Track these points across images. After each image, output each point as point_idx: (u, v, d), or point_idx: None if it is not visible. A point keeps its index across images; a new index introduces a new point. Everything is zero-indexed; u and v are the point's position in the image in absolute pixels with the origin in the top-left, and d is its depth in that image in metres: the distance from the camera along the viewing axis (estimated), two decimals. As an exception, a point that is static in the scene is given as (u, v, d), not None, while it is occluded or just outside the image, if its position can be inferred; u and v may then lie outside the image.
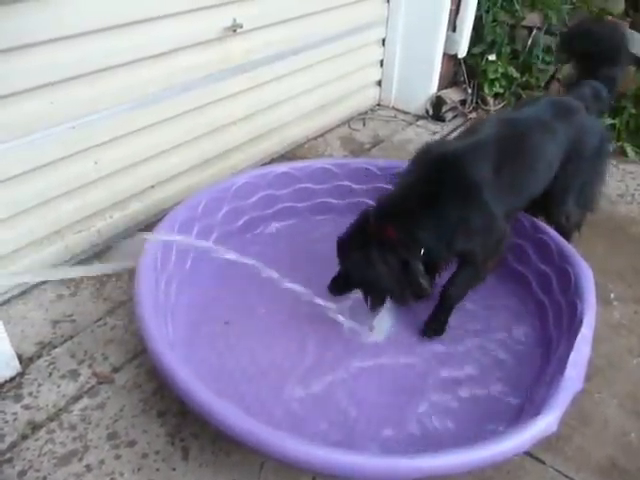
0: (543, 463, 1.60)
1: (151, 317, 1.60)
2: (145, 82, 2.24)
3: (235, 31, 2.48)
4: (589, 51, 2.19)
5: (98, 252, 2.34)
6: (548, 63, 3.67)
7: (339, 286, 1.91)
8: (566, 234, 2.20)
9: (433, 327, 1.99)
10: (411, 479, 1.38)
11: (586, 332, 1.63)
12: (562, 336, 1.79)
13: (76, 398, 1.72)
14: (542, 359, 1.85)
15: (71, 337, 1.93)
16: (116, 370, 1.81)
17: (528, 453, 1.59)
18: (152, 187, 2.49)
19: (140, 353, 1.86)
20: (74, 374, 1.79)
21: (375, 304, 1.91)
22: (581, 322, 1.66)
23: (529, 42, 3.68)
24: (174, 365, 1.44)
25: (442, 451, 1.36)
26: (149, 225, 2.45)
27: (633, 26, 3.42)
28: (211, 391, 1.38)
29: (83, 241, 2.29)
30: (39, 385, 1.75)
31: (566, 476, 1.57)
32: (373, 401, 1.75)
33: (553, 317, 1.94)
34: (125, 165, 2.31)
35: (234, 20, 2.46)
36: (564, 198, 2.12)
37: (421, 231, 1.74)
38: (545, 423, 1.35)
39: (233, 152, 2.85)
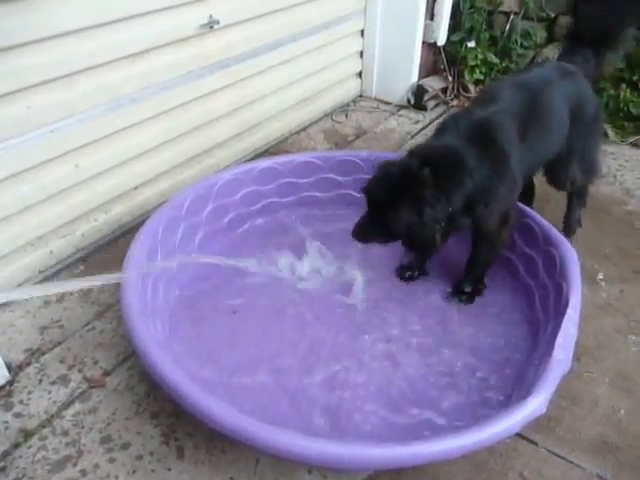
0: (535, 444, 1.61)
1: (139, 318, 1.59)
2: (123, 82, 2.22)
3: (212, 27, 2.46)
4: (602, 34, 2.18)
5: (83, 256, 2.32)
6: (527, 48, 3.68)
7: (365, 232, 1.89)
8: (576, 200, 2.38)
9: (461, 295, 2.11)
10: (410, 465, 1.39)
11: (572, 313, 1.64)
12: (550, 318, 1.81)
13: (68, 404, 1.71)
14: (531, 341, 1.87)
15: (60, 343, 1.92)
16: (107, 373, 1.80)
17: (520, 435, 1.60)
18: (135, 188, 2.47)
19: (131, 355, 1.85)
20: (65, 380, 1.78)
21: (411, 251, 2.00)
22: (567, 304, 1.68)
23: (507, 28, 3.68)
24: (163, 365, 1.43)
25: (436, 437, 1.37)
26: (134, 227, 2.43)
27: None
28: (200, 389, 1.38)
29: (68, 245, 2.27)
30: (29, 392, 1.74)
31: (558, 456, 1.59)
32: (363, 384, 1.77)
33: (540, 300, 1.95)
34: (106, 167, 2.29)
35: (210, 16, 2.44)
36: (569, 163, 2.20)
37: (454, 192, 1.79)
38: (535, 405, 1.37)
39: (216, 149, 2.84)
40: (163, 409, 1.69)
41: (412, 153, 1.86)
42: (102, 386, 1.75)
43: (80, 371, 1.81)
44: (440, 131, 1.95)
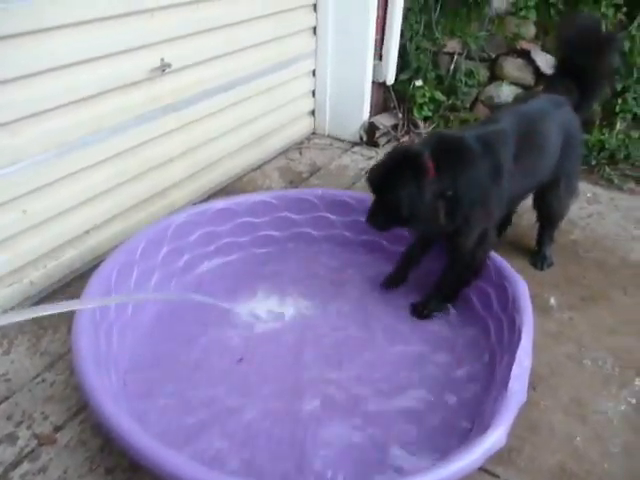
0: (497, 477, 1.63)
1: (92, 369, 1.54)
2: (72, 127, 2.19)
3: (164, 71, 2.47)
4: (588, 67, 2.31)
5: (32, 305, 2.24)
6: (471, 86, 3.85)
7: (377, 219, 1.99)
8: (555, 219, 2.51)
9: (424, 309, 2.18)
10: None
11: (525, 344, 1.69)
12: (505, 350, 1.84)
13: (15, 464, 1.61)
14: (488, 374, 1.90)
15: (7, 398, 1.82)
16: (58, 429, 1.72)
17: (482, 469, 1.61)
18: (87, 232, 2.42)
19: (83, 408, 1.77)
20: (12, 438, 1.69)
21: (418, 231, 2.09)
22: (520, 335, 1.72)
23: (452, 67, 3.86)
24: (117, 419, 1.38)
25: (399, 476, 1.37)
26: (86, 272, 2.37)
27: (543, 48, 3.65)
28: (159, 442, 1.34)
29: (15, 294, 2.19)
30: (-27, 454, 1.64)
31: (521, 487, 1.61)
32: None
33: (495, 333, 2.00)
34: (56, 212, 2.24)
35: (162, 60, 2.46)
36: (558, 185, 2.35)
37: (455, 176, 1.88)
38: (494, 438, 1.39)
39: (171, 190, 2.82)
40: (119, 464, 1.62)
41: (422, 140, 2.00)
42: (53, 443, 1.67)
43: (29, 428, 1.72)
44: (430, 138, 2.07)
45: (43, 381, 1.89)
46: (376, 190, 1.95)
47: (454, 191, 1.89)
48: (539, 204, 2.47)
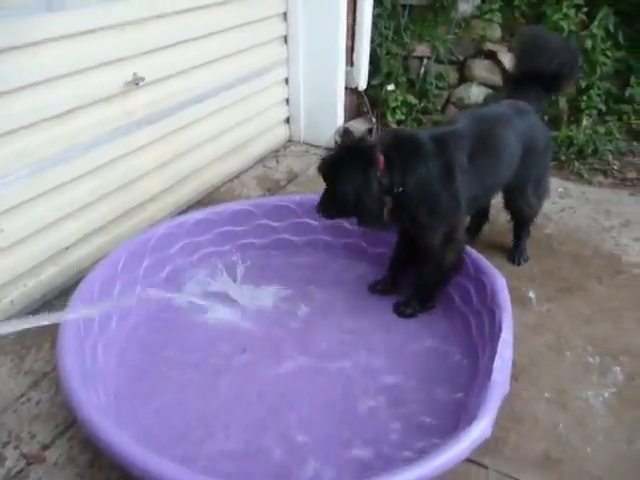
0: (485, 467, 1.66)
1: (79, 384, 1.54)
2: (47, 144, 2.18)
3: (137, 84, 2.48)
4: (548, 72, 2.36)
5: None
6: (441, 88, 3.93)
7: (325, 206, 2.05)
8: (527, 220, 2.58)
9: (405, 308, 2.23)
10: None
11: (506, 336, 1.74)
12: (486, 343, 1.89)
13: (4, 484, 1.61)
14: (471, 368, 1.94)
15: (-8, 419, 1.81)
16: (46, 447, 1.71)
17: (470, 460, 1.64)
18: (66, 249, 2.41)
19: (71, 425, 1.76)
20: (-1, 459, 1.68)
21: (360, 223, 2.07)
22: (501, 328, 1.77)
23: (422, 71, 3.93)
24: (109, 434, 1.38)
25: (387, 470, 1.39)
26: (67, 289, 2.35)
27: (510, 49, 3.75)
28: (150, 452, 1.34)
29: (-4, 314, 2.17)
30: (-40, 477, 1.63)
31: (509, 476, 1.65)
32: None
33: (476, 326, 2.04)
34: (34, 230, 2.23)
35: (135, 74, 2.46)
36: (525, 190, 2.40)
37: (404, 172, 1.94)
38: (480, 429, 1.42)
39: (148, 203, 2.82)
40: (109, 478, 1.61)
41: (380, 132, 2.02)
42: (42, 461, 1.66)
43: (16, 448, 1.71)
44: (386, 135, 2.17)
45: (28, 400, 1.88)
46: (326, 179, 2.02)
47: (403, 187, 1.95)
48: (510, 208, 2.53)
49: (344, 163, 1.93)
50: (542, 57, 2.34)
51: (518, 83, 2.47)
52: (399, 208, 1.99)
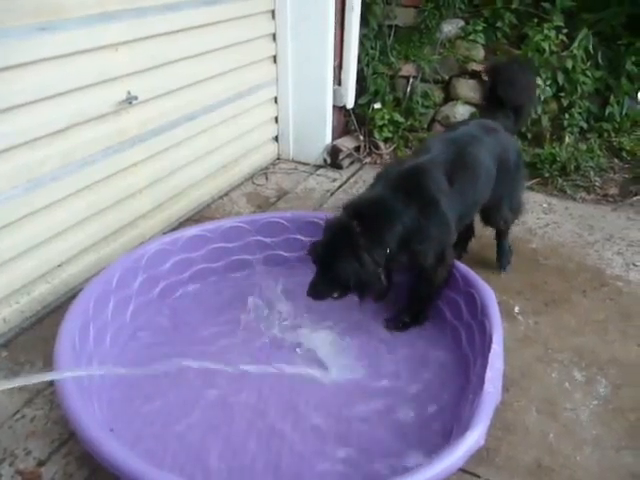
0: (478, 477, 1.69)
1: (77, 400, 1.54)
2: (41, 162, 2.20)
3: (130, 103, 2.52)
4: (513, 98, 2.52)
5: (6, 342, 2.21)
6: (427, 107, 4.02)
7: (318, 290, 2.07)
8: (503, 234, 2.69)
9: (399, 322, 2.27)
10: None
11: (497, 348, 1.78)
12: (477, 355, 1.93)
13: (-1, 502, 1.60)
14: (463, 379, 1.97)
15: (-14, 437, 1.80)
16: (42, 463, 1.70)
17: (463, 470, 1.67)
18: (59, 266, 2.41)
19: (67, 440, 1.76)
20: (-6, 477, 1.67)
21: (364, 299, 2.11)
22: (491, 339, 1.81)
23: (408, 90, 4.02)
24: (112, 449, 1.39)
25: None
26: (59, 306, 2.36)
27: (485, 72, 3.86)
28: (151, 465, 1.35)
29: (-12, 332, 2.17)
30: (-46, 496, 1.61)
31: (501, 486, 1.68)
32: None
33: (466, 338, 2.08)
34: (27, 247, 2.23)
35: (129, 93, 2.50)
36: (500, 206, 2.49)
37: (386, 235, 1.98)
38: (473, 439, 1.45)
39: (140, 220, 2.84)
40: (106, 493, 1.61)
41: (344, 207, 2.07)
42: (37, 478, 1.65)
43: (11, 464, 1.70)
44: (375, 181, 2.18)
45: (23, 417, 1.87)
46: (319, 263, 2.06)
47: (390, 248, 1.99)
48: (486, 223, 2.61)
49: (333, 247, 1.99)
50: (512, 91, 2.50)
51: (489, 104, 2.62)
52: (393, 260, 2.03)
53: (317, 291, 2.08)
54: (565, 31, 3.71)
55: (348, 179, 3.72)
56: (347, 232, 1.97)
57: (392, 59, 4.01)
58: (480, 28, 3.90)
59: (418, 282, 2.24)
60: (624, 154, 3.71)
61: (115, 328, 2.10)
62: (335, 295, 2.09)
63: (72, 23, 2.20)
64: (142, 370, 1.83)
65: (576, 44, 3.66)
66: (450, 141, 2.25)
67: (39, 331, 2.27)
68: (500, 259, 2.71)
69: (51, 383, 1.82)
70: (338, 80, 3.82)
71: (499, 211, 2.51)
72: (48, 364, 1.94)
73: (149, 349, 2.14)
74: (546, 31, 3.67)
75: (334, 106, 3.85)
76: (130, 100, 2.51)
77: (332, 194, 3.51)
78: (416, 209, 2.00)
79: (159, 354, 2.10)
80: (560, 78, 3.66)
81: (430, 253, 2.09)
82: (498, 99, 2.53)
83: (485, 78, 2.79)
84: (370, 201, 2.07)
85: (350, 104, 3.93)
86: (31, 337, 2.24)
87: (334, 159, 3.87)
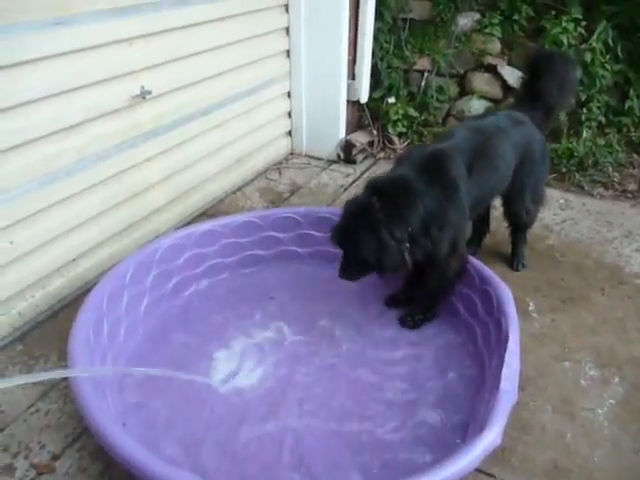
0: (494, 477, 1.67)
1: (91, 393, 1.55)
2: (56, 156, 2.21)
3: (144, 98, 2.51)
4: (550, 88, 2.45)
5: (21, 335, 2.22)
6: (442, 101, 3.97)
7: (347, 271, 2.08)
8: (525, 226, 2.64)
9: (412, 319, 2.26)
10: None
11: (513, 346, 1.75)
12: (493, 353, 1.90)
13: (14, 495, 1.61)
14: (478, 378, 1.95)
15: (1, 430, 1.81)
16: (56, 457, 1.71)
17: (479, 470, 1.65)
18: (74, 260, 2.42)
19: (81, 435, 1.77)
20: (9, 469, 1.67)
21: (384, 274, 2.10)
22: (507, 337, 1.78)
23: (423, 84, 3.98)
24: (124, 443, 1.39)
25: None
26: (74, 300, 2.37)
27: (509, 62, 3.80)
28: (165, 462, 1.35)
29: (3, 325, 2.18)
30: (-29, 488, 1.63)
31: (517, 486, 1.66)
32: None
33: (482, 337, 2.06)
34: (43, 241, 2.25)
35: (142, 87, 2.50)
36: (523, 196, 2.48)
37: (408, 213, 1.96)
38: (491, 437, 1.43)
39: (154, 215, 2.84)
40: (120, 489, 1.62)
41: (366, 186, 2.06)
42: (52, 471, 1.67)
43: (26, 458, 1.71)
44: (396, 163, 2.19)
45: (37, 411, 1.88)
46: (341, 248, 2.07)
47: (411, 227, 1.97)
48: (508, 215, 2.59)
49: (353, 231, 1.98)
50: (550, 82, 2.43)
51: (522, 99, 2.56)
52: (416, 243, 2.01)
53: (348, 273, 2.09)
54: (584, 24, 3.63)
55: (362, 174, 3.69)
56: (365, 209, 1.96)
57: (407, 53, 3.96)
58: (496, 21, 3.84)
59: (429, 276, 2.21)
60: (643, 149, 3.64)
61: (129, 323, 2.11)
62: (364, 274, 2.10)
63: (86, 18, 2.20)
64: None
65: (595, 37, 3.59)
66: (476, 130, 2.25)
67: (54, 325, 2.29)
68: (513, 259, 2.67)
69: (65, 377, 1.83)
70: (352, 74, 3.78)
71: (522, 201, 2.49)
72: (63, 358, 1.96)
73: (163, 344, 2.14)
74: (564, 24, 3.60)
75: (348, 101, 3.81)
76: (144, 95, 2.51)
77: (345, 189, 3.48)
78: (437, 191, 2.00)
79: (173, 349, 2.11)
80: (578, 72, 3.59)
81: (446, 241, 2.07)
82: (535, 92, 2.48)
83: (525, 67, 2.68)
84: (392, 179, 2.07)
85: (364, 98, 3.89)
86: (46, 331, 2.26)
87: (347, 154, 3.84)
